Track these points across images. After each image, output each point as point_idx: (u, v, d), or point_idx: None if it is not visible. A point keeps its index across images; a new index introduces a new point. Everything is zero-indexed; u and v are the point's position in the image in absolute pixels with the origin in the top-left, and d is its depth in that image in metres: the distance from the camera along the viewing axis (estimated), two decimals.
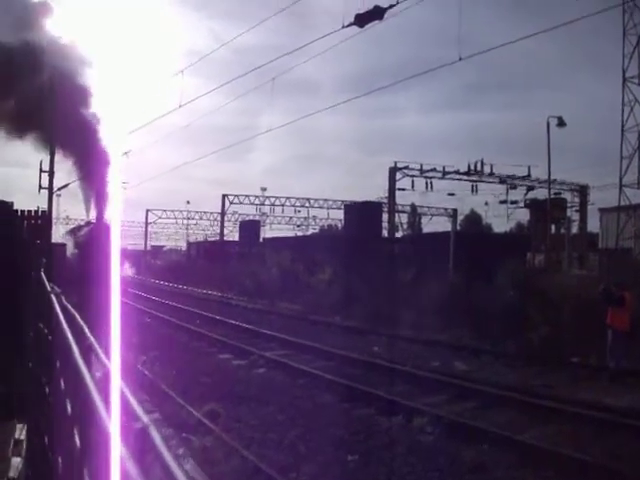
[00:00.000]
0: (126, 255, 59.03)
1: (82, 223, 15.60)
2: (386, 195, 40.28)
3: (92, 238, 12.79)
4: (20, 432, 6.83)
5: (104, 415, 1.07)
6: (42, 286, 5.02)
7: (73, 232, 16.07)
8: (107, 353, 1.97)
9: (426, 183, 40.06)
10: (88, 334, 2.14)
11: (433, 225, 55.09)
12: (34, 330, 5.77)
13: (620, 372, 13.06)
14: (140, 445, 1.03)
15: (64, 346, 2.16)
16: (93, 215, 15.08)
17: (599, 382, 12.93)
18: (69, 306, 3.33)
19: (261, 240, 57.24)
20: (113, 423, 1.07)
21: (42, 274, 6.11)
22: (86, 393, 1.29)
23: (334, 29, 14.19)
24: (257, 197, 57.98)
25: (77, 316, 2.84)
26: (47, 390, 3.73)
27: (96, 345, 1.88)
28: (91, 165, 13.73)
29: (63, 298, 3.76)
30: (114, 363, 1.65)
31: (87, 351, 2.03)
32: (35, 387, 4.88)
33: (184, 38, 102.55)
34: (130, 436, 1.06)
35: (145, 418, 1.09)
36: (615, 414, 9.99)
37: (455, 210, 50.85)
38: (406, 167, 38.04)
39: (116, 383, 1.28)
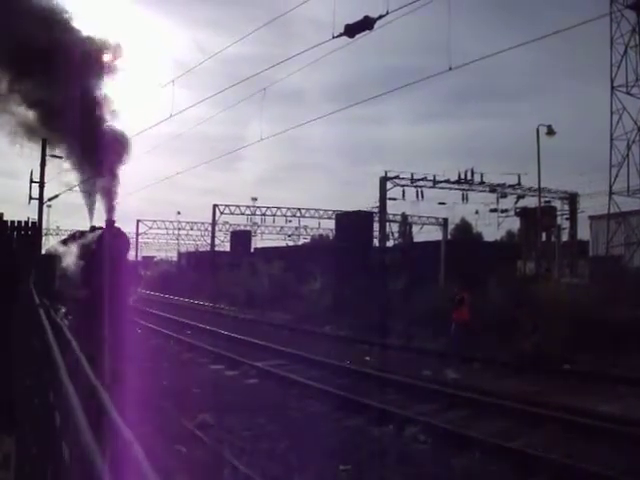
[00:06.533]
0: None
1: (85, 230, 15.12)
2: (377, 204, 40.25)
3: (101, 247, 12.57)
4: (9, 445, 6.77)
5: (85, 429, 1.07)
6: (31, 298, 5.00)
7: (74, 239, 15.46)
8: (97, 365, 1.98)
9: (417, 192, 40.09)
10: (75, 347, 2.14)
11: (424, 234, 55.08)
12: (24, 342, 5.75)
13: (460, 355, 16.40)
14: (122, 459, 1.03)
15: (51, 358, 2.16)
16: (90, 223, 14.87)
17: (592, 389, 12.96)
18: (58, 319, 3.33)
19: (252, 250, 57.06)
20: (96, 438, 1.07)
21: (31, 286, 6.09)
22: (69, 407, 1.29)
23: (323, 39, 14.16)
24: (248, 207, 57.88)
25: (65, 329, 2.84)
26: (36, 402, 3.71)
27: (83, 359, 1.88)
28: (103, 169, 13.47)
29: (52, 311, 3.75)
30: (100, 378, 1.65)
31: (75, 364, 2.03)
32: (24, 399, 4.86)
33: (170, 49, 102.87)
34: (112, 451, 1.06)
35: (127, 433, 1.09)
36: (608, 421, 10.00)
37: (446, 219, 50.85)
38: (397, 177, 38.06)
39: (102, 398, 1.28)
